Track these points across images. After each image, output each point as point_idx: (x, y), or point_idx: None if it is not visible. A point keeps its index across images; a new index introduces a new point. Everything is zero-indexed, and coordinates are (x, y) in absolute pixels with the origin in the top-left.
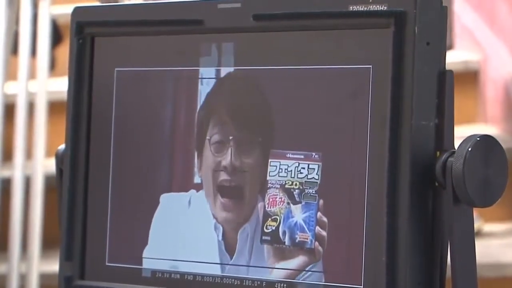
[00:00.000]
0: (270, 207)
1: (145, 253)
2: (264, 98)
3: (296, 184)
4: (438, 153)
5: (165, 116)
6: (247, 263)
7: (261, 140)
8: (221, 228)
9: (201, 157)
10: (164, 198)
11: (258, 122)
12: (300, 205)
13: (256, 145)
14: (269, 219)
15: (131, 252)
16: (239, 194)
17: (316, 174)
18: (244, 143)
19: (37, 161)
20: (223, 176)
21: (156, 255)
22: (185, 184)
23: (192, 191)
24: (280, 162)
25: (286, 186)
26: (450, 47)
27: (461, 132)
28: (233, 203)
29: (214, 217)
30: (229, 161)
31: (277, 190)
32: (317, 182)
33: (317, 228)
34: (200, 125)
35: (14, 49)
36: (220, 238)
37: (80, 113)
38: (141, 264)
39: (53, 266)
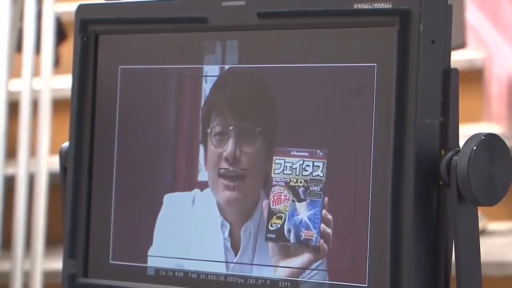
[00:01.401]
0: (275, 205)
1: (150, 252)
2: (268, 95)
3: (301, 182)
4: (442, 151)
5: (169, 115)
6: (250, 261)
7: (262, 131)
8: (228, 225)
9: (207, 153)
10: (168, 198)
11: (260, 115)
12: (305, 202)
13: (257, 135)
14: (274, 217)
15: (135, 250)
16: (242, 189)
17: (321, 171)
18: (244, 133)
19: (41, 158)
20: (226, 168)
21: (161, 254)
22: (189, 183)
23: (196, 190)
24: (284, 159)
25: (291, 183)
26: (463, 45)
27: (466, 131)
28: (236, 198)
29: (221, 214)
30: (229, 151)
31: (282, 188)
32: (322, 180)
33: (322, 225)
34: (204, 120)
35: (18, 46)
36: (227, 235)
37: (84, 110)
38: (145, 262)
39: (57, 264)
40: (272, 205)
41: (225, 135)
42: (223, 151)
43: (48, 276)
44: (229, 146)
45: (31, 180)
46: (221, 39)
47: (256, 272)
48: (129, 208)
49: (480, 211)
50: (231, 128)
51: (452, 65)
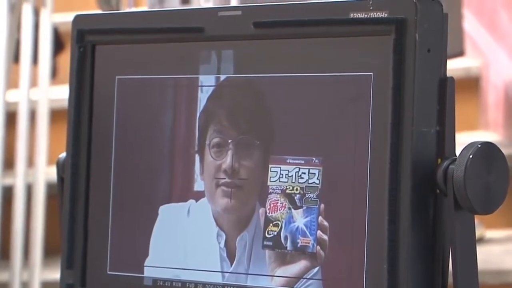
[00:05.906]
0: (271, 213)
1: (147, 262)
2: (264, 104)
3: (297, 189)
4: (439, 160)
5: (166, 125)
6: (245, 271)
7: (261, 143)
8: (224, 235)
9: (203, 162)
10: (163, 209)
11: (258, 126)
12: (301, 209)
13: (255, 148)
14: (271, 224)
15: (133, 260)
16: (239, 200)
17: (317, 179)
18: (243, 146)
19: (38, 169)
20: (224, 180)
21: (157, 264)
22: (184, 194)
23: (191, 201)
24: (280, 167)
25: (287, 191)
26: (462, 53)
27: (463, 139)
28: (233, 208)
29: (217, 224)
30: (228, 164)
31: (278, 196)
32: (317, 187)
33: (319, 232)
34: (201, 130)
35: (15, 57)
36: (222, 245)
37: (81, 121)
38: (142, 272)
39: (55, 274)
40: (269, 213)
41: (224, 148)
42: (222, 163)
43: (46, 287)
44: (228, 158)
45: (29, 191)
46: (217, 49)
47: (251, 281)
48: (126, 219)
49: (478, 219)
50: (230, 141)
51: (449, 74)
